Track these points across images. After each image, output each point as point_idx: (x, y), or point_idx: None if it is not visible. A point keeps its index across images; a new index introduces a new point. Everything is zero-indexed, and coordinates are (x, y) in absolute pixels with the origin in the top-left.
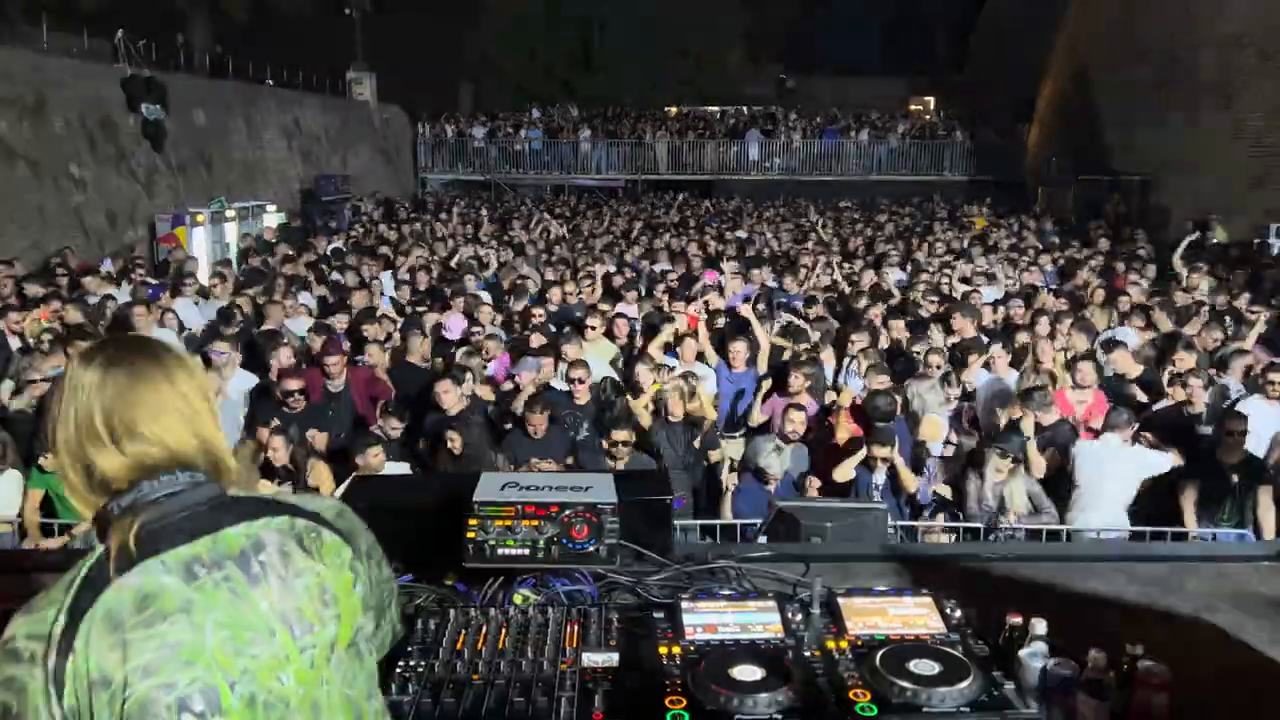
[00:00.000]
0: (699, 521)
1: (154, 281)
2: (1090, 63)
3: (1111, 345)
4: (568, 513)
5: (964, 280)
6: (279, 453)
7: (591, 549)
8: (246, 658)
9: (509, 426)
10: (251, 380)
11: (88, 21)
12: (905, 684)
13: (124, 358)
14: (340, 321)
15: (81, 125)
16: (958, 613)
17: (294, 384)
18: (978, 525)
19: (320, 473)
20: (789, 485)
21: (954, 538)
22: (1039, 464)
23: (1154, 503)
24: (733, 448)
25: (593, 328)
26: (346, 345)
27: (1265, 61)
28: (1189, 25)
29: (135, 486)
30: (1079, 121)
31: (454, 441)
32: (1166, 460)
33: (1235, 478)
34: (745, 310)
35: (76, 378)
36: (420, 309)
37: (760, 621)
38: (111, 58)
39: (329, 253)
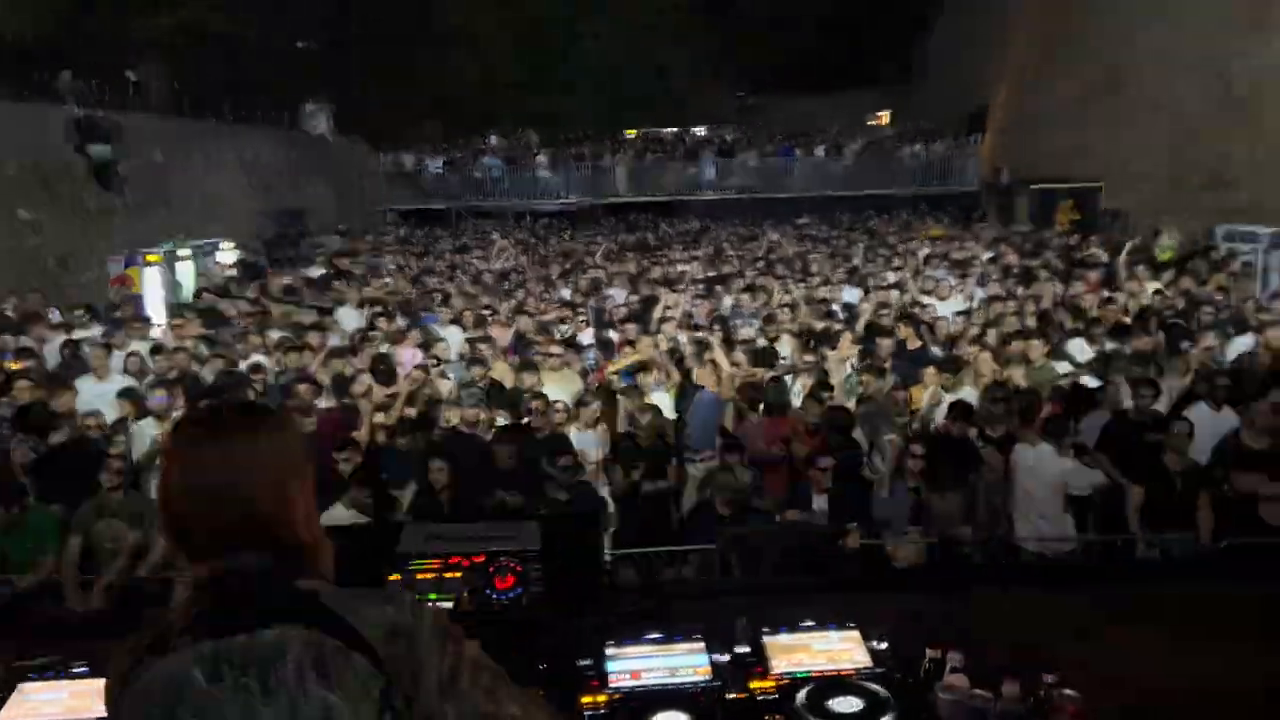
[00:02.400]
0: (638, 550)
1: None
2: (1039, 71)
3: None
4: (492, 563)
5: (924, 293)
6: None
7: (516, 597)
8: None
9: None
10: None
11: (34, 63)
12: None
13: (222, 425)
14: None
15: (32, 167)
16: (883, 645)
17: None
18: (933, 540)
19: None
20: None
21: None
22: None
23: (1104, 509)
24: (697, 470)
25: (555, 355)
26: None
27: (1205, 67)
28: (1128, 37)
29: (212, 559)
30: (1030, 130)
31: (440, 471)
32: (1091, 477)
33: (1180, 483)
34: (712, 338)
35: (175, 442)
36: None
37: (688, 664)
38: (60, 98)
39: (288, 288)
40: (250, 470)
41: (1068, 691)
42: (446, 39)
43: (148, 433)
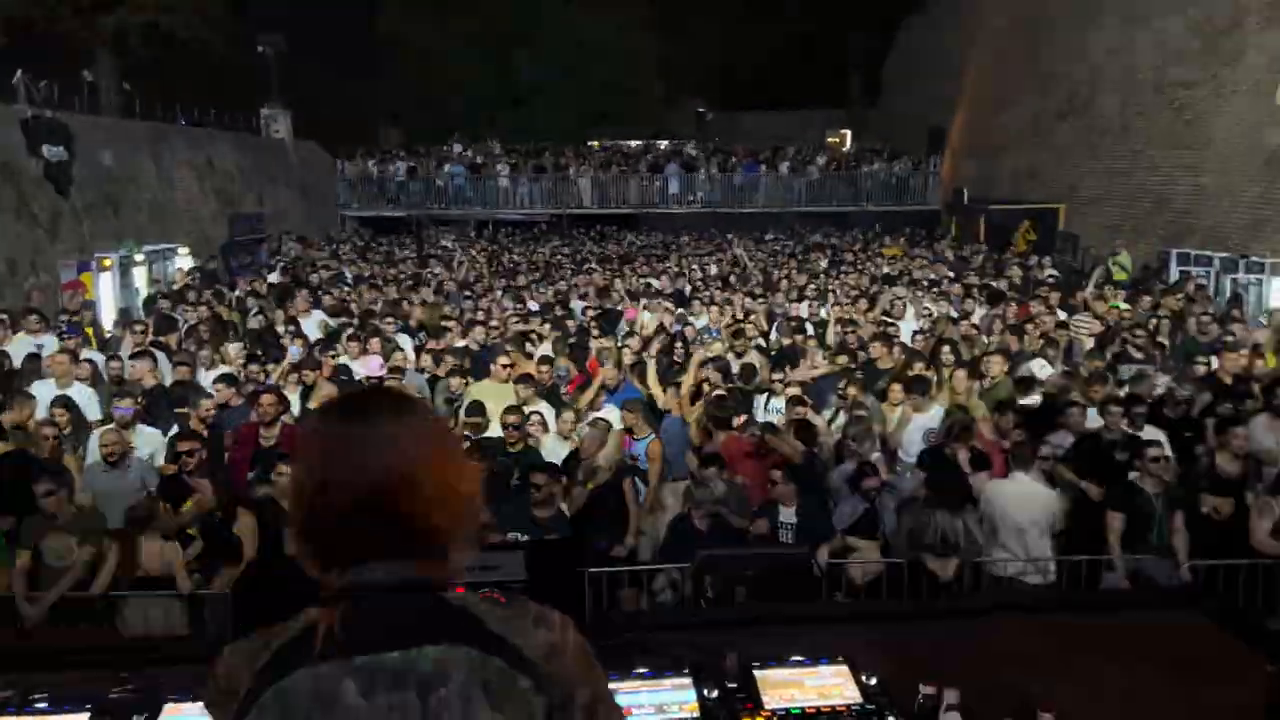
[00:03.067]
0: (627, 568)
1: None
2: (998, 95)
3: (1027, 384)
4: (476, 594)
5: (885, 312)
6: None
7: None
8: None
9: None
10: (158, 437)
11: None
12: None
13: (368, 415)
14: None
15: None
16: (873, 680)
17: (186, 445)
18: (900, 560)
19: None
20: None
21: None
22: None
23: (1080, 531)
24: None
25: (506, 366)
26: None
27: (1159, 94)
28: (1088, 61)
29: (359, 566)
30: (989, 152)
31: None
32: (1054, 506)
33: (1159, 507)
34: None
35: (320, 433)
36: (330, 352)
37: (676, 701)
38: (11, 98)
39: (246, 296)
40: (413, 465)
41: None
42: (406, 47)
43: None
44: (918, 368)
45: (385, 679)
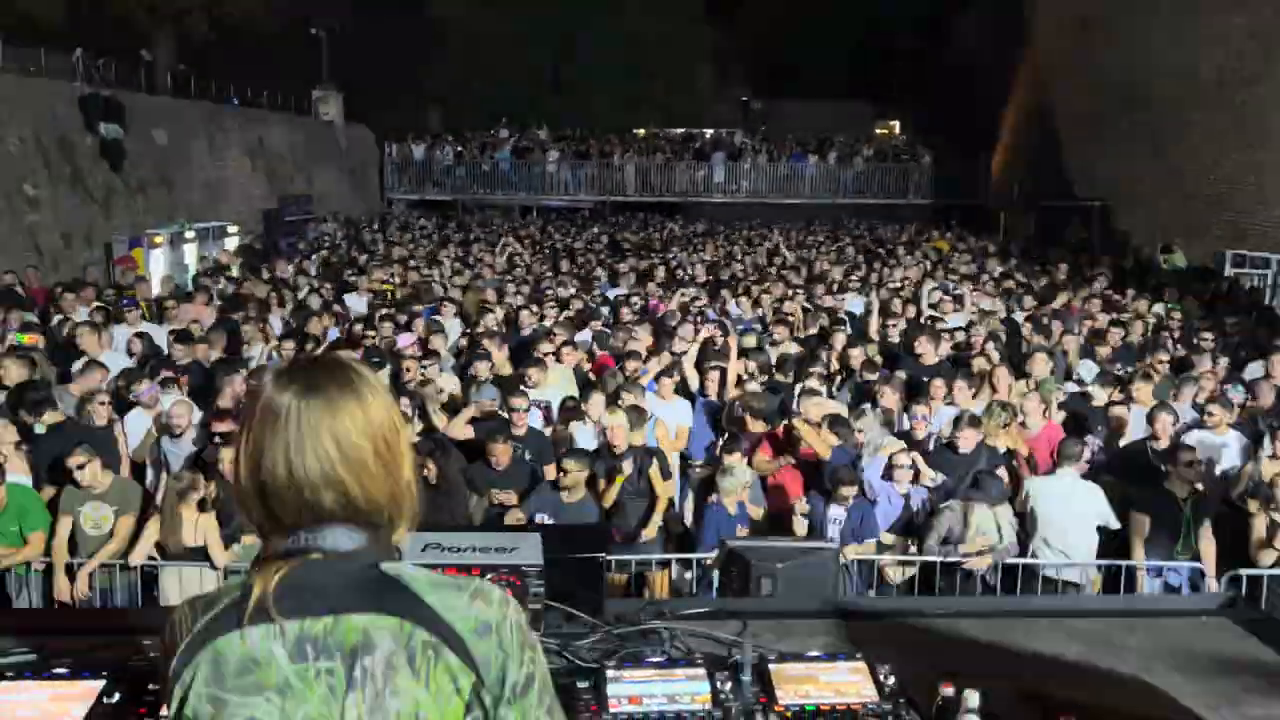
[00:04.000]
0: (655, 556)
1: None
2: (1051, 90)
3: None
4: (489, 576)
5: (932, 306)
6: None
7: None
8: None
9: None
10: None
11: (45, 39)
12: None
13: (320, 387)
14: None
15: (37, 144)
16: (891, 679)
17: (221, 424)
18: (937, 559)
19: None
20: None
21: (911, 573)
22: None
23: (1108, 535)
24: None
25: (551, 354)
26: None
27: (1220, 89)
28: (1146, 56)
29: (296, 531)
30: (1040, 148)
31: (429, 470)
32: (1100, 509)
33: (1186, 510)
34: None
35: (268, 403)
36: (370, 332)
37: (689, 692)
38: (70, 76)
39: (293, 275)
40: (354, 435)
41: None
42: (456, 31)
43: (141, 424)
44: (976, 364)
45: (314, 645)
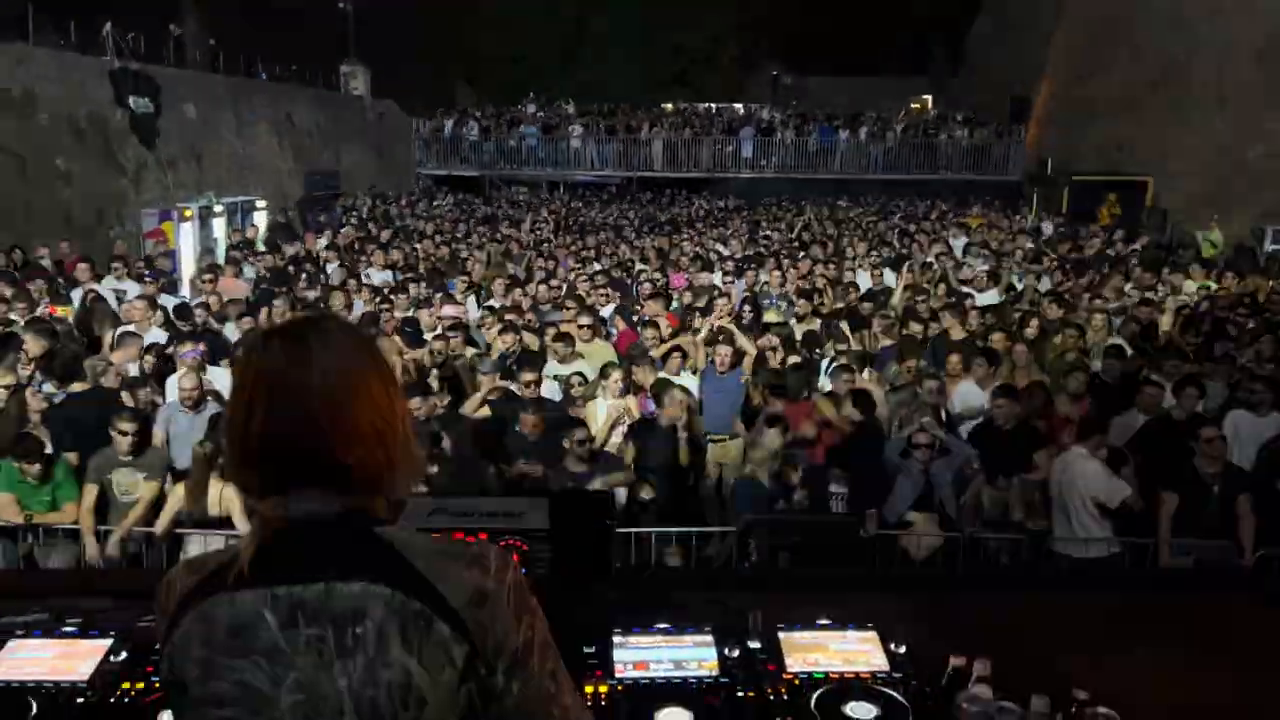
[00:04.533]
0: (674, 529)
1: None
2: (1086, 63)
3: (1110, 353)
4: (497, 541)
5: (962, 282)
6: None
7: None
8: None
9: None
10: (227, 378)
11: (75, 14)
12: None
13: (310, 346)
14: None
15: (68, 118)
16: (902, 649)
17: None
18: (956, 534)
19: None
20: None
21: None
22: None
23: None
24: (718, 450)
25: (585, 326)
26: None
27: (1260, 63)
28: (1185, 28)
29: (289, 495)
30: (1075, 122)
31: (444, 443)
32: (1119, 491)
33: (1215, 488)
34: (726, 323)
35: (257, 362)
36: (385, 306)
37: (696, 658)
38: (100, 50)
39: (320, 250)
40: (342, 395)
41: (1101, 710)
42: (483, 6)
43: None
44: (995, 339)
45: (304, 611)
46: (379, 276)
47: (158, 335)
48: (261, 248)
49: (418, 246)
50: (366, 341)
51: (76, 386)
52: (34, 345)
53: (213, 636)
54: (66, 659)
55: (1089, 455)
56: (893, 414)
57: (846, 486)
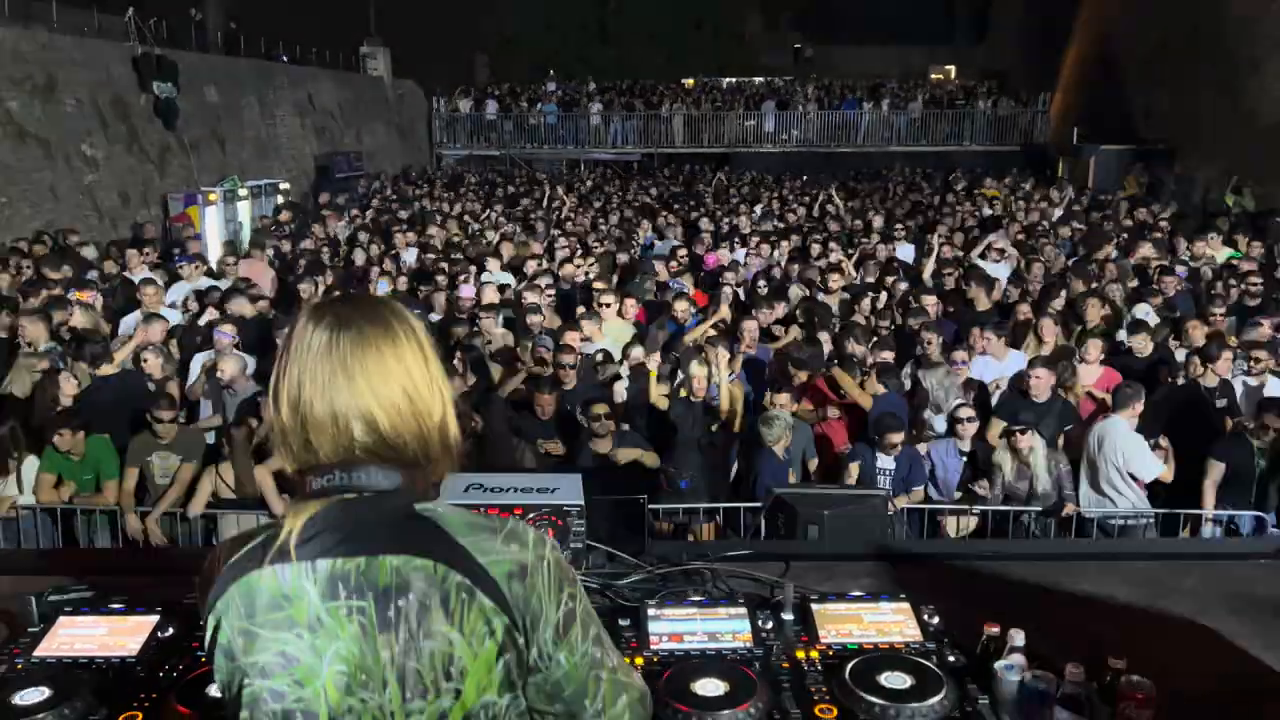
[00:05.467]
0: (703, 505)
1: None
2: (1114, 29)
3: (1136, 326)
4: (531, 516)
5: (983, 255)
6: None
7: None
8: (355, 699)
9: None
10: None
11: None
12: (874, 699)
13: (354, 322)
14: None
15: (93, 104)
16: (935, 619)
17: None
18: (992, 509)
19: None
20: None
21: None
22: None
23: (1184, 483)
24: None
25: (606, 305)
26: None
27: None
28: None
29: (332, 469)
30: (1102, 89)
31: (475, 421)
32: (1155, 469)
33: (1261, 460)
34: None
35: (303, 336)
36: (424, 286)
37: (730, 630)
38: (123, 36)
39: (344, 231)
40: (387, 372)
41: (1136, 678)
42: None
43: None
44: (1021, 312)
45: (345, 583)
46: (404, 255)
47: (173, 316)
48: (284, 230)
49: (437, 231)
50: (414, 321)
51: (104, 370)
52: (30, 330)
53: (255, 608)
54: (117, 635)
55: (1129, 426)
56: (933, 393)
57: (894, 463)
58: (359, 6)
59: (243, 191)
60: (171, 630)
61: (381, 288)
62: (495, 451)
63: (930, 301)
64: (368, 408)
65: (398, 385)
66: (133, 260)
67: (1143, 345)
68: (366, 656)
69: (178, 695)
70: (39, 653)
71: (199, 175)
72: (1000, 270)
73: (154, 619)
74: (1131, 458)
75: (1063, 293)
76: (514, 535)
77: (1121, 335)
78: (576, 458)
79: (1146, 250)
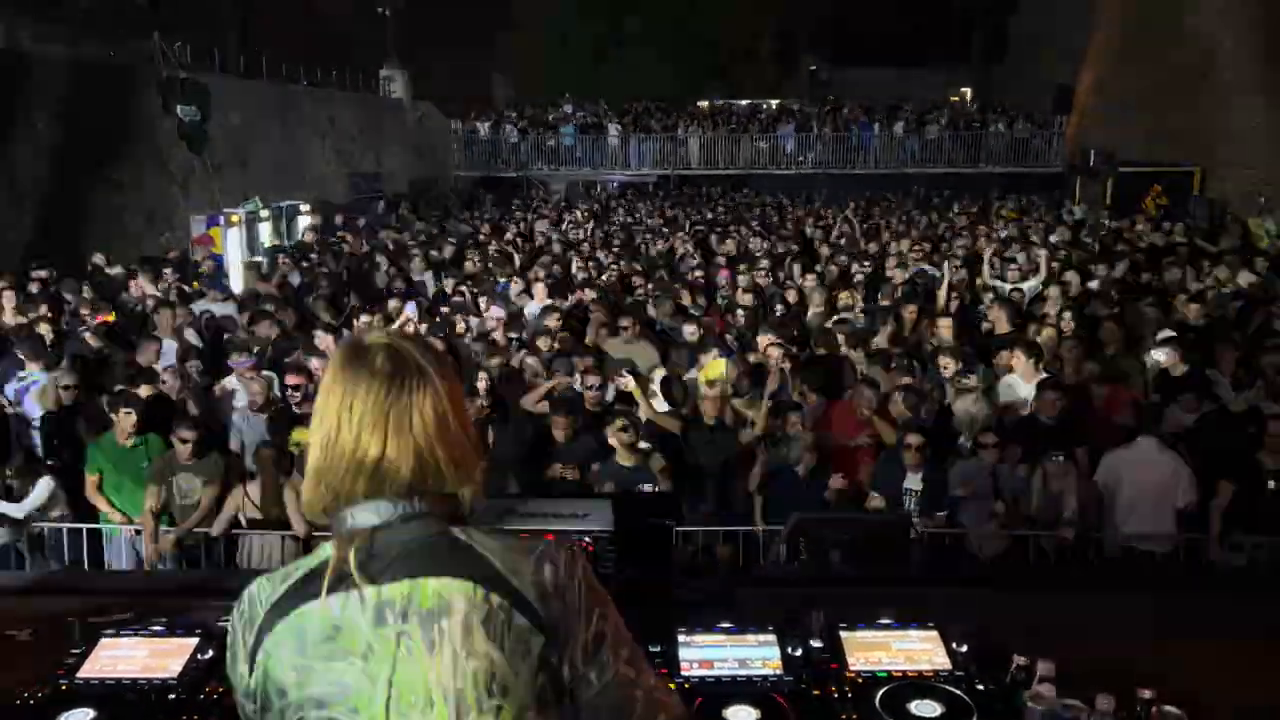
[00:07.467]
0: (721, 528)
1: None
2: (1130, 51)
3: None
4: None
5: (997, 277)
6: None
7: None
8: None
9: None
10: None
11: (124, 22)
12: None
13: (387, 359)
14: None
15: (119, 128)
16: (964, 647)
17: (294, 379)
18: (1018, 533)
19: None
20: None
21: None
22: None
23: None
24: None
25: (625, 328)
26: None
27: None
28: (1227, 14)
29: (369, 503)
30: (1118, 111)
31: (489, 438)
32: (1188, 492)
33: (1272, 483)
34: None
35: (337, 375)
36: (445, 308)
37: (759, 657)
38: (149, 59)
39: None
40: (422, 409)
41: (1169, 708)
42: (519, 5)
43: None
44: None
45: (391, 609)
46: (418, 277)
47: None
48: (313, 252)
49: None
50: (444, 355)
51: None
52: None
53: (306, 642)
54: (159, 657)
55: (1160, 448)
56: (960, 416)
57: (922, 483)
58: (378, 30)
59: (264, 213)
60: (211, 653)
61: (410, 310)
62: (511, 474)
63: (945, 324)
64: (402, 443)
65: (430, 419)
66: (145, 285)
67: (1171, 363)
68: (413, 677)
69: (219, 719)
70: (83, 674)
71: (223, 197)
72: (1027, 286)
73: (194, 641)
74: (1169, 481)
75: (1069, 314)
76: (547, 556)
77: (1152, 356)
78: (595, 481)
79: (1170, 274)
